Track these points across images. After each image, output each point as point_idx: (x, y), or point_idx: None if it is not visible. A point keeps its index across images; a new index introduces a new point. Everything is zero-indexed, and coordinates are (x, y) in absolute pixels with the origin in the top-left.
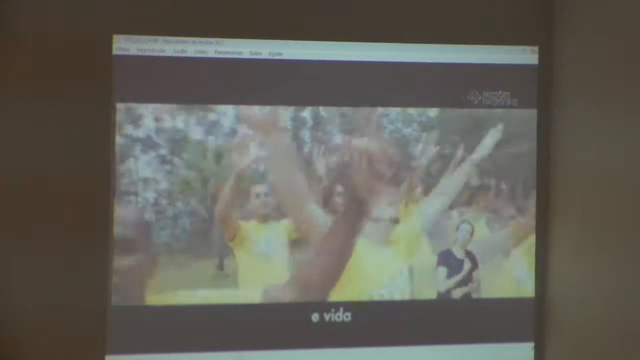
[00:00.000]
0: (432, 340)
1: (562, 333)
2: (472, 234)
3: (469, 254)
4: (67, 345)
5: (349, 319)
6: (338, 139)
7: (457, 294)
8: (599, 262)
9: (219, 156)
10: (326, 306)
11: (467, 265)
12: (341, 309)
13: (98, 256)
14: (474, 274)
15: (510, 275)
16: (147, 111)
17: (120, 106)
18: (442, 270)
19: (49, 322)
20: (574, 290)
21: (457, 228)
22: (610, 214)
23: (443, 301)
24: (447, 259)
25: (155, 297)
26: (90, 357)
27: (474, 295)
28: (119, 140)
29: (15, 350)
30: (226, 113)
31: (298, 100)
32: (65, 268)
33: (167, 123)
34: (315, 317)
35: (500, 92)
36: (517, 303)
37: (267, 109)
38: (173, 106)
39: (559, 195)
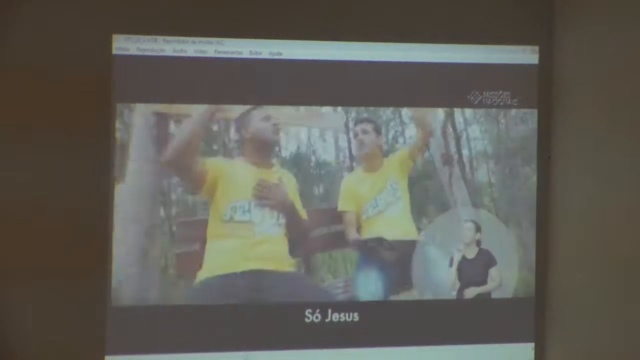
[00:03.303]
0: (432, 340)
1: (562, 333)
2: (476, 231)
3: (481, 253)
4: (67, 345)
5: (357, 319)
6: None
7: (471, 293)
8: (599, 262)
9: None
10: (333, 306)
11: (480, 264)
12: (348, 309)
13: (98, 257)
14: (491, 271)
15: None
16: None
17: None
18: (453, 272)
19: (49, 322)
20: (574, 290)
21: (462, 228)
22: (610, 212)
23: (443, 301)
24: (459, 261)
25: None
26: (90, 357)
27: (494, 294)
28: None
29: (16, 350)
30: None
31: (298, 100)
32: (65, 268)
33: None
34: (317, 316)
35: (501, 92)
36: (517, 303)
37: None
38: None
39: (559, 194)
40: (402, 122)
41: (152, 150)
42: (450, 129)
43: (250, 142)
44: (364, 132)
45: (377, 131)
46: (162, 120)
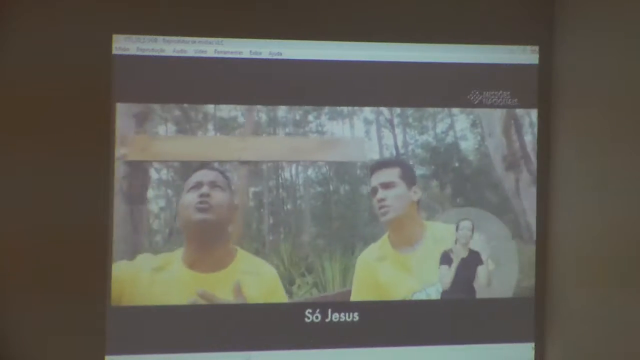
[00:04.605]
0: (433, 340)
1: (562, 333)
2: (472, 231)
3: (472, 253)
4: (67, 345)
5: (357, 319)
6: None
7: (459, 292)
8: (599, 262)
9: None
10: (333, 306)
11: (470, 262)
12: (348, 309)
13: (98, 257)
14: (479, 269)
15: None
16: None
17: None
18: (444, 269)
19: (49, 322)
20: (573, 290)
21: (457, 227)
22: (610, 212)
23: (443, 301)
24: (448, 258)
25: None
26: (90, 357)
27: (479, 294)
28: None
29: (16, 350)
30: None
31: (298, 100)
32: (65, 268)
33: None
34: (317, 316)
35: (501, 91)
36: (517, 303)
37: None
38: None
39: (559, 195)
40: (450, 114)
41: None
42: (513, 127)
43: (186, 231)
44: (386, 186)
45: (407, 178)
46: None
